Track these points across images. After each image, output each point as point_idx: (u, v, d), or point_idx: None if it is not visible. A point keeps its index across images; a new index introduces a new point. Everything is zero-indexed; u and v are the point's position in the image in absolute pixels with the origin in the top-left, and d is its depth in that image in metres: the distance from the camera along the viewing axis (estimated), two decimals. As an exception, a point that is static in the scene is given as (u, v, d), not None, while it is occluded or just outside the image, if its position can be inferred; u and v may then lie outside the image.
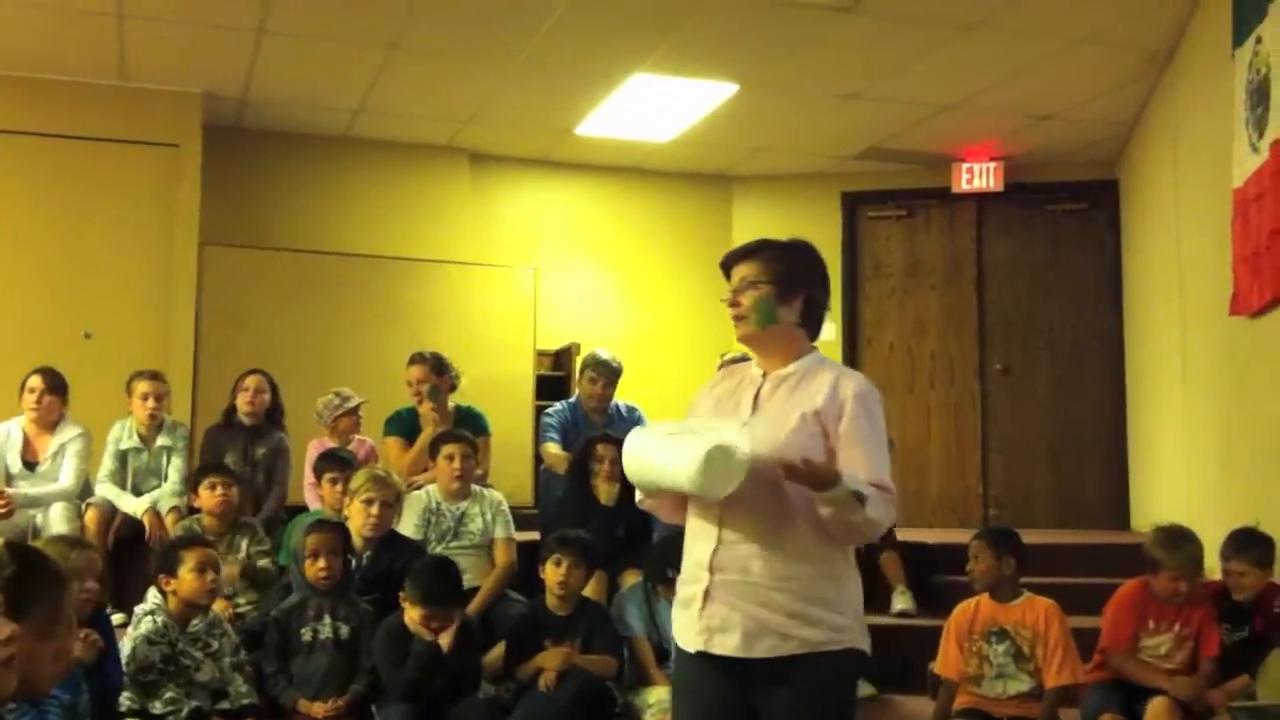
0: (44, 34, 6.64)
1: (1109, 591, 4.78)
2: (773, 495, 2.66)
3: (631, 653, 4.94)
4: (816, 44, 6.55)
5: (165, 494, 5.76)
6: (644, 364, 7.91)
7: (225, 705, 4.33)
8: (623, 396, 6.78)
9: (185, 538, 4.76)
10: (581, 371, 6.76)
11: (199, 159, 7.49)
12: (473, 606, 5.09)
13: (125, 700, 4.16)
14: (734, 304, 2.87)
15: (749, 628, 2.68)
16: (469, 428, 5.93)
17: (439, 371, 6.22)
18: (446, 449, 5.48)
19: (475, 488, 5.56)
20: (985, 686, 4.48)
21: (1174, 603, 4.57)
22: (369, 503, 4.97)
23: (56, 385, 5.85)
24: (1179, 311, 6.70)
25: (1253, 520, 4.79)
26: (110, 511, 5.71)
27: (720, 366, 5.54)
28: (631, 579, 5.29)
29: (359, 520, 4.98)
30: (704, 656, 2.74)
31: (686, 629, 2.78)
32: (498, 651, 4.85)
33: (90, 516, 5.62)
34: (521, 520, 5.85)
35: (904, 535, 6.38)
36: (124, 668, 4.21)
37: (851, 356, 8.86)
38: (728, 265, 2.92)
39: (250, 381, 6.16)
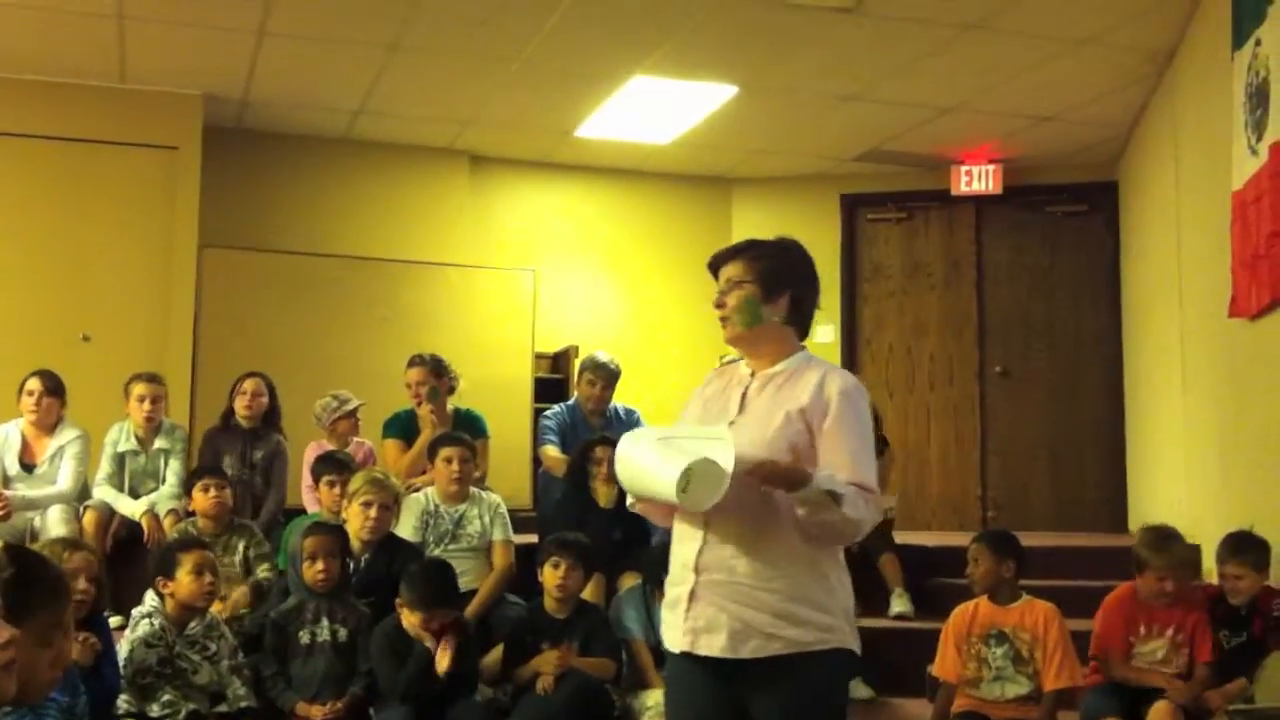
0: (44, 36, 6.65)
1: (1107, 594, 4.78)
2: (757, 495, 2.64)
3: (629, 655, 4.94)
4: (816, 46, 6.54)
5: (163, 496, 5.76)
6: (643, 366, 7.92)
7: (223, 708, 4.33)
8: (621, 399, 6.77)
9: (182, 540, 4.76)
10: (580, 374, 6.76)
11: (199, 161, 7.50)
12: (471, 609, 5.08)
13: (123, 703, 4.16)
14: (720, 305, 2.87)
15: (735, 628, 2.66)
16: (468, 430, 5.93)
17: (438, 374, 6.22)
18: (445, 451, 5.47)
19: (474, 490, 5.55)
20: (984, 689, 4.47)
21: (1162, 603, 4.56)
22: (367, 505, 4.97)
23: (55, 387, 5.85)
24: (1178, 314, 6.70)
25: (1249, 523, 4.79)
26: (108, 514, 5.71)
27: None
28: (630, 581, 5.29)
29: (357, 523, 4.97)
30: (691, 658, 2.73)
31: (673, 630, 2.77)
32: (496, 654, 4.85)
33: (88, 519, 5.62)
34: (520, 523, 5.85)
35: (902, 537, 6.38)
36: (121, 670, 4.21)
37: (851, 358, 8.87)
38: (715, 266, 2.91)
39: (248, 384, 6.16)
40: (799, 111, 7.68)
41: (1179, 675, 4.49)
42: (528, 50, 6.69)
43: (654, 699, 4.66)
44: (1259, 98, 5.07)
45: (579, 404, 6.69)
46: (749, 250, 2.89)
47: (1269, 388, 5.17)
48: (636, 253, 9.12)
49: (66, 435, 5.83)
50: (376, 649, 4.47)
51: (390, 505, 5.06)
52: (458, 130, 8.25)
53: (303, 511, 5.92)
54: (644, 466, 2.65)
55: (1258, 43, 5.09)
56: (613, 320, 8.97)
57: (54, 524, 5.51)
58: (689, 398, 2.99)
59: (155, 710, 4.20)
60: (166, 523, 5.59)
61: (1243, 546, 4.59)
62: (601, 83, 7.24)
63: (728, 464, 2.56)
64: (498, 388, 7.69)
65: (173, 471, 5.86)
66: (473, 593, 5.20)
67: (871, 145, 8.30)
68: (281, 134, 8.23)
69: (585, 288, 9.06)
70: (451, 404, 6.30)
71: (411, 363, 6.29)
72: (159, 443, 5.91)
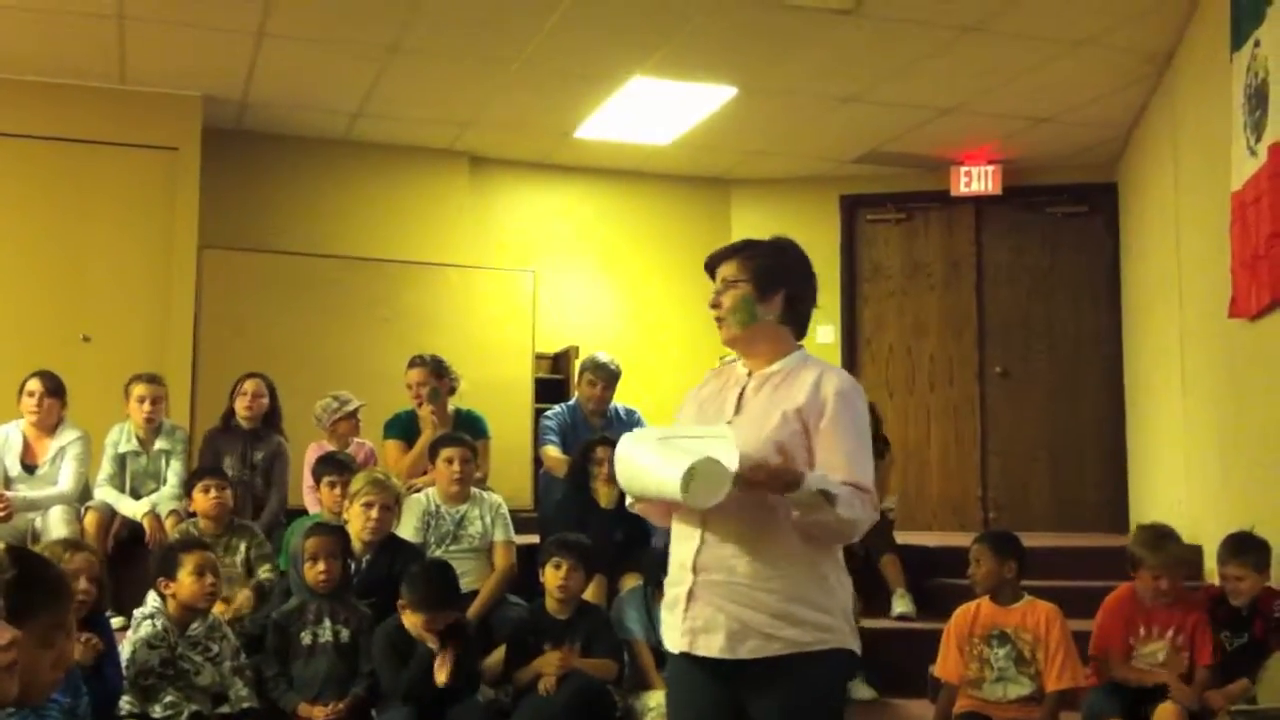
0: (44, 37, 6.64)
1: (1108, 595, 4.78)
2: (756, 495, 2.62)
3: (631, 656, 4.94)
4: (815, 47, 6.55)
5: (164, 497, 5.75)
6: (643, 367, 7.92)
7: (225, 709, 4.33)
8: (621, 399, 6.78)
9: (184, 541, 4.75)
10: (580, 374, 6.77)
11: (198, 162, 7.49)
12: (472, 610, 5.09)
13: (125, 704, 4.16)
14: (715, 305, 2.86)
15: (733, 628, 2.66)
16: (468, 431, 5.93)
17: (438, 374, 6.22)
18: (446, 452, 5.47)
19: (475, 491, 5.55)
20: (986, 690, 4.48)
21: (1159, 603, 4.57)
22: (368, 506, 4.97)
23: (55, 388, 5.85)
24: (1178, 314, 6.70)
25: (1250, 524, 4.79)
26: (109, 515, 5.71)
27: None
28: (631, 582, 5.29)
29: (358, 523, 4.97)
30: (690, 658, 2.73)
31: (671, 630, 2.77)
32: (497, 655, 4.85)
33: (89, 520, 5.61)
34: (521, 523, 5.84)
35: (904, 538, 6.38)
36: (123, 671, 4.21)
37: (851, 359, 8.87)
38: (711, 267, 2.91)
39: (249, 385, 6.15)
40: (798, 113, 7.68)
41: (1180, 677, 4.49)
42: (527, 51, 6.69)
43: (655, 700, 4.66)
44: (1258, 99, 5.07)
45: (579, 404, 6.69)
46: (744, 250, 2.89)
47: (1269, 388, 5.18)
48: (636, 253, 9.13)
49: (67, 436, 5.83)
50: (378, 650, 4.47)
51: (391, 506, 5.06)
52: (457, 131, 8.25)
53: (304, 512, 5.92)
54: (646, 466, 2.64)
55: (1256, 44, 5.10)
56: (612, 321, 8.98)
57: (55, 525, 5.50)
58: (684, 398, 2.98)
59: (157, 711, 4.20)
60: (168, 523, 5.58)
61: (1243, 547, 4.59)
62: (601, 84, 7.24)
63: (731, 463, 2.56)
64: (498, 388, 7.70)
65: (174, 472, 5.85)
66: (474, 593, 5.20)
67: (871, 146, 8.31)
68: (281, 135, 8.23)
69: (585, 288, 9.06)
70: (452, 404, 6.30)
71: (412, 363, 6.30)
72: (160, 443, 5.91)
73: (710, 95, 7.37)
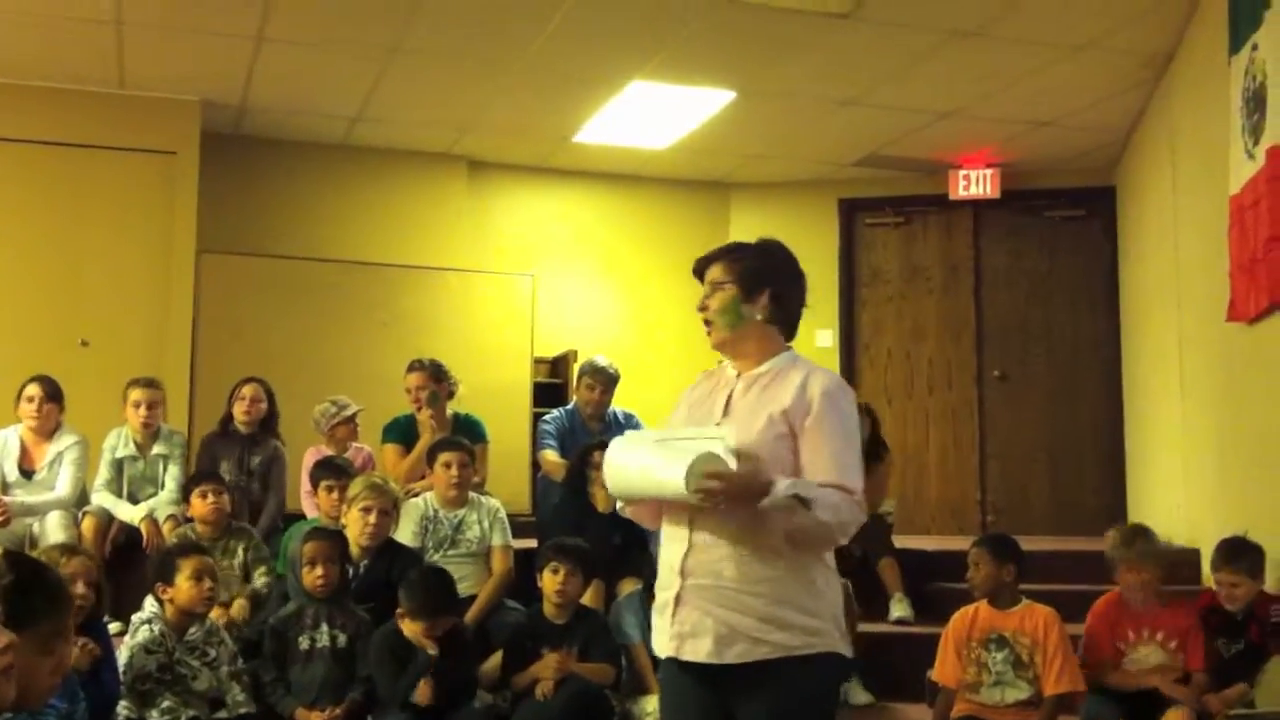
0: (43, 42, 6.65)
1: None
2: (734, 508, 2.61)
3: (629, 660, 4.93)
4: (814, 51, 6.55)
5: (162, 502, 5.75)
6: (641, 371, 7.91)
7: (222, 714, 4.33)
8: (620, 403, 6.77)
9: (182, 546, 4.74)
10: (579, 378, 6.76)
11: (197, 166, 7.50)
12: (470, 614, 5.08)
13: (122, 709, 4.15)
14: (703, 309, 2.86)
15: (721, 633, 2.64)
16: (467, 435, 5.93)
17: (437, 379, 6.22)
18: (444, 457, 5.47)
19: (473, 495, 5.54)
20: (984, 694, 4.47)
21: (1147, 604, 4.57)
22: (366, 511, 4.96)
23: (54, 393, 5.85)
24: (1176, 318, 6.70)
25: (1247, 527, 4.79)
26: (107, 520, 5.70)
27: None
28: (629, 587, 5.27)
29: (356, 528, 4.97)
30: (678, 663, 2.72)
31: (660, 634, 2.76)
32: (495, 660, 4.84)
33: (87, 525, 5.61)
34: (519, 528, 5.84)
35: (902, 542, 6.37)
36: (121, 676, 4.21)
37: (849, 363, 8.88)
38: (699, 272, 2.91)
39: (247, 390, 6.15)
40: (797, 116, 7.69)
41: (1175, 681, 4.49)
42: (526, 56, 6.70)
43: (653, 704, 4.66)
44: (1256, 102, 5.07)
45: (578, 408, 6.69)
46: (730, 253, 2.89)
47: (1266, 391, 5.18)
48: (635, 257, 9.13)
49: (65, 441, 5.82)
50: (375, 655, 4.46)
51: (389, 511, 5.05)
52: (456, 135, 8.26)
53: (301, 517, 5.92)
54: (645, 466, 2.64)
55: (1254, 47, 5.10)
56: (611, 325, 8.98)
57: (53, 530, 5.50)
58: (678, 399, 2.98)
59: (154, 716, 4.19)
60: (165, 528, 5.58)
61: (1237, 553, 4.58)
62: (600, 88, 7.24)
63: (729, 462, 2.57)
64: (496, 392, 7.69)
65: (171, 477, 5.85)
66: (472, 598, 5.20)
67: (869, 150, 8.31)
68: (280, 140, 8.23)
69: (583, 292, 9.06)
70: (451, 409, 6.30)
71: (411, 367, 6.30)
72: (157, 448, 5.90)
73: (709, 99, 7.37)
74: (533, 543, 5.66)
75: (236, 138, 8.08)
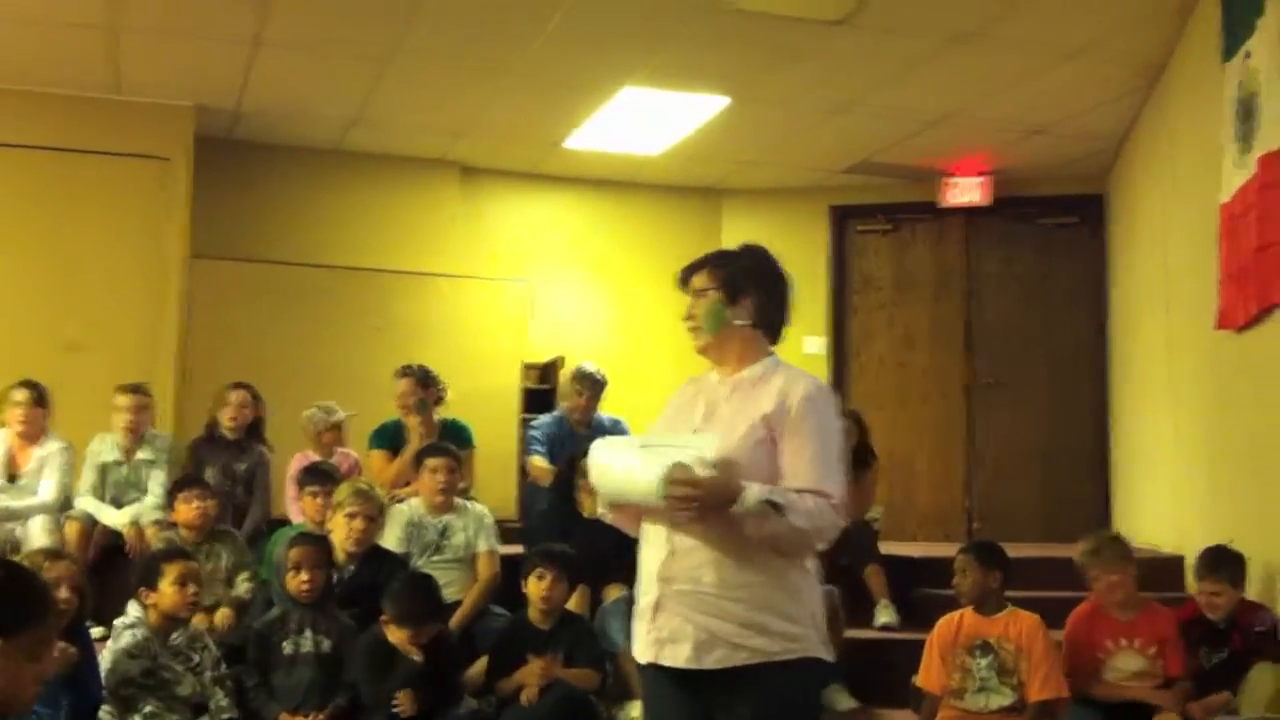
0: (37, 47, 6.65)
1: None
2: (708, 516, 2.60)
3: (614, 666, 4.93)
4: (806, 58, 6.55)
5: (147, 507, 5.74)
6: (632, 377, 7.90)
7: (205, 719, 4.32)
8: (611, 409, 6.77)
9: (166, 551, 4.74)
10: (567, 384, 6.76)
11: (190, 172, 7.50)
12: (455, 620, 5.09)
13: (105, 714, 4.16)
14: (689, 317, 2.88)
15: (700, 638, 2.65)
16: (454, 441, 5.93)
17: (425, 385, 6.22)
18: (430, 462, 5.47)
19: (459, 501, 5.55)
20: (968, 700, 4.48)
21: (1124, 611, 4.57)
22: (352, 516, 4.96)
23: (42, 398, 5.84)
24: (1165, 325, 6.70)
25: (1234, 535, 4.79)
26: (90, 524, 5.69)
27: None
28: (615, 593, 5.27)
29: (341, 534, 4.97)
30: (658, 668, 2.72)
31: (640, 640, 2.76)
32: (480, 665, 4.85)
33: (70, 529, 5.60)
34: (506, 533, 5.84)
35: (887, 549, 6.37)
36: (103, 681, 4.20)
37: (840, 370, 8.87)
38: (684, 281, 2.92)
39: (234, 396, 6.15)
40: (789, 123, 7.69)
41: (1158, 686, 4.48)
42: (520, 61, 6.70)
43: (638, 710, 4.64)
44: (1248, 110, 5.08)
45: (566, 414, 6.69)
46: (713, 260, 2.91)
47: (1254, 399, 5.18)
48: (626, 263, 9.12)
49: (51, 446, 5.81)
50: (359, 661, 4.47)
51: (375, 516, 5.06)
52: (449, 141, 8.26)
53: (287, 522, 5.91)
54: (622, 470, 2.65)
55: (1247, 55, 5.11)
56: (602, 331, 8.97)
57: (36, 534, 5.49)
58: (665, 406, 2.99)
59: (137, 721, 4.19)
60: (150, 533, 5.57)
61: (1218, 562, 4.59)
62: (592, 94, 7.25)
63: (711, 459, 2.58)
64: (485, 397, 7.67)
65: (156, 482, 5.83)
66: (457, 604, 5.20)
67: (861, 157, 8.31)
68: (273, 145, 8.22)
69: (575, 298, 9.06)
70: (438, 414, 6.30)
71: (400, 374, 6.30)
72: (142, 453, 5.89)
73: (701, 105, 7.37)
74: (519, 548, 5.67)
75: (230, 142, 8.07)
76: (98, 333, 7.21)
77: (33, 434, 5.81)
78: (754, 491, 2.56)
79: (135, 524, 5.62)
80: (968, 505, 8.61)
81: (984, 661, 4.47)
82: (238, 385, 6.20)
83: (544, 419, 6.73)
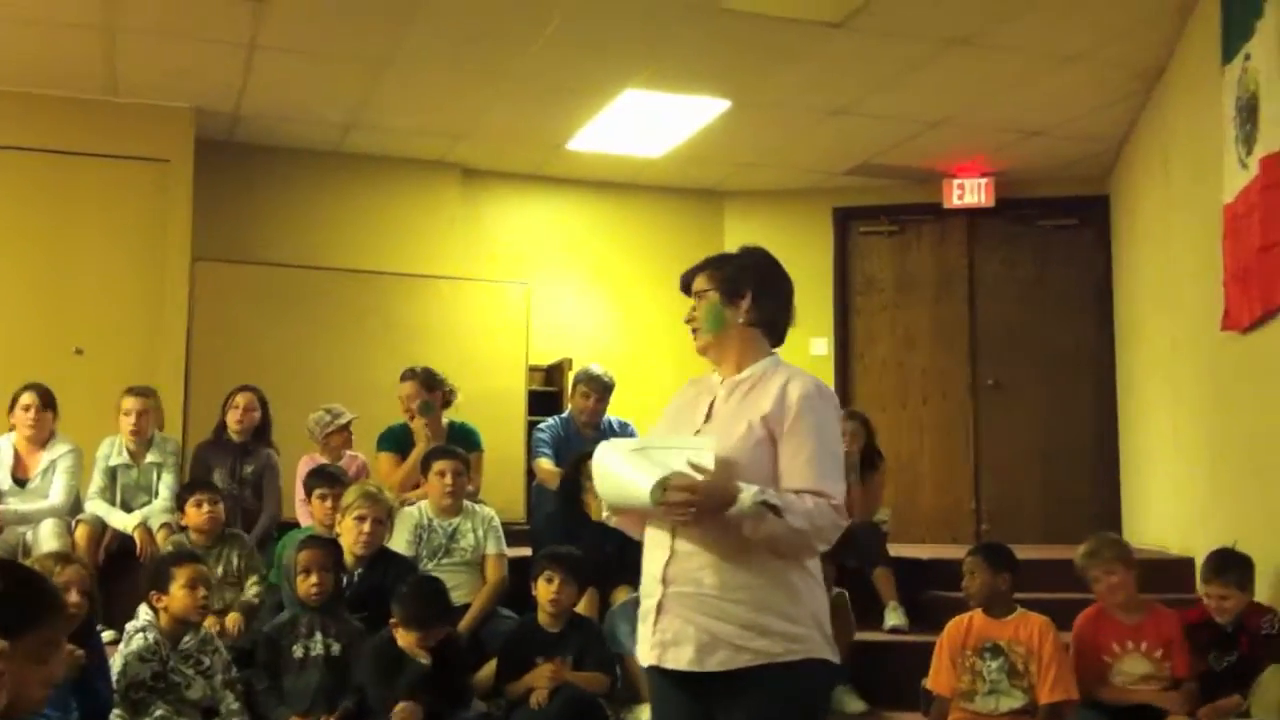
0: (35, 49, 6.64)
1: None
2: (704, 519, 2.60)
3: (623, 669, 4.93)
4: (807, 60, 6.56)
5: (156, 510, 5.72)
6: (636, 379, 7.91)
7: (215, 722, 4.32)
8: (615, 411, 6.77)
9: (176, 554, 4.73)
10: (574, 386, 6.76)
11: (190, 174, 7.49)
12: (464, 623, 5.08)
13: (115, 717, 4.13)
14: (690, 320, 2.89)
15: (703, 641, 2.64)
16: (462, 443, 5.93)
17: (429, 387, 6.21)
18: (438, 465, 5.47)
19: (467, 504, 5.54)
20: (978, 702, 4.48)
21: (1120, 604, 4.58)
22: (361, 519, 4.95)
23: (49, 402, 5.83)
24: (1168, 326, 6.72)
25: (1237, 537, 4.80)
26: (100, 528, 5.68)
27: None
28: (623, 595, 5.27)
29: (350, 537, 4.96)
30: (661, 671, 2.72)
31: (643, 643, 2.76)
32: (489, 668, 4.84)
33: (80, 533, 5.59)
34: (514, 536, 5.83)
35: (896, 551, 6.37)
36: (114, 684, 4.19)
37: (843, 372, 8.88)
38: (685, 286, 2.93)
39: (240, 399, 6.14)
40: (790, 125, 7.70)
41: (1166, 688, 4.49)
42: (520, 64, 6.70)
43: (647, 713, 4.64)
44: (1248, 112, 5.10)
45: (573, 416, 6.69)
46: (713, 262, 2.92)
47: (1257, 400, 5.20)
48: (629, 266, 9.12)
49: (59, 449, 5.81)
50: (367, 664, 4.45)
51: (384, 519, 5.05)
52: (450, 143, 8.26)
53: (296, 525, 5.91)
54: (619, 474, 2.66)
55: (1247, 57, 5.12)
56: (605, 333, 8.98)
57: (46, 538, 5.48)
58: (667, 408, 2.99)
59: (147, 725, 4.19)
60: (159, 536, 5.56)
61: (1225, 566, 4.59)
62: (593, 97, 7.25)
63: (710, 465, 2.58)
64: (491, 400, 7.68)
65: (165, 485, 5.83)
66: (466, 606, 5.20)
67: (863, 159, 8.32)
68: (273, 147, 8.22)
69: (577, 300, 9.06)
70: (446, 417, 6.29)
71: (403, 377, 6.30)
72: (151, 456, 5.89)
73: (702, 108, 7.38)
74: (527, 551, 5.66)
75: (230, 145, 8.07)
76: (101, 336, 7.21)
77: (40, 438, 5.81)
78: (749, 493, 2.55)
79: (145, 527, 5.61)
80: (975, 507, 8.62)
81: (994, 664, 4.47)
82: (244, 388, 6.19)
83: (550, 421, 6.72)
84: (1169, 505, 6.79)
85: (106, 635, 4.72)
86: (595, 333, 8.95)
